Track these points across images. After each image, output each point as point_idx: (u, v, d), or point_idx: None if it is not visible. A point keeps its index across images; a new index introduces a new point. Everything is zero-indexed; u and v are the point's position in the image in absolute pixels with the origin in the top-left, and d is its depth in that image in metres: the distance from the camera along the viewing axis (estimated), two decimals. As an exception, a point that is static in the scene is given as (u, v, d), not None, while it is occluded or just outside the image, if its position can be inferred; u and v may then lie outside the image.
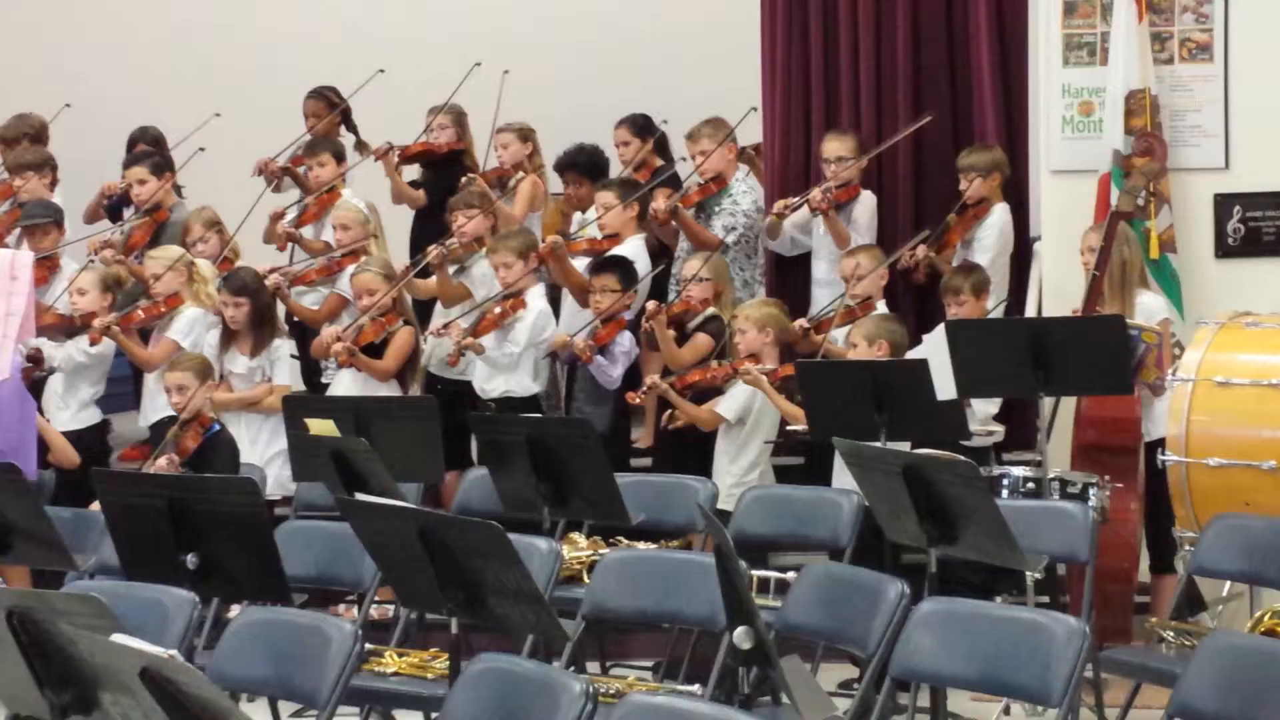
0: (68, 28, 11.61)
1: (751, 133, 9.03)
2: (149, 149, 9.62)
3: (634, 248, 8.52)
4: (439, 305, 8.67)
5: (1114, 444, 7.11)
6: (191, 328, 8.27)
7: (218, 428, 7.54)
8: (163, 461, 7.33)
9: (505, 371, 8.15)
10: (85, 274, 8.48)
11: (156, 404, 8.09)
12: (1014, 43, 8.60)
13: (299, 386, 8.28)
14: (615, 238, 8.56)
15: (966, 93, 8.68)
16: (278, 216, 9.05)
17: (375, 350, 8.13)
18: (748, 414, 7.75)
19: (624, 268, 8.27)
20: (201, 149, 9.35)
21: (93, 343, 8.14)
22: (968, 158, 8.36)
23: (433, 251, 8.35)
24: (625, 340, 8.20)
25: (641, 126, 9.24)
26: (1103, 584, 6.54)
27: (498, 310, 8.12)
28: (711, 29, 10.61)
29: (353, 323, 8.18)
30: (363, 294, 8.21)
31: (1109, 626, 6.72)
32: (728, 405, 7.78)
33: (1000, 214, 8.34)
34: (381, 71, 9.55)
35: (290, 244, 9.05)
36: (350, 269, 8.48)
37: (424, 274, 8.47)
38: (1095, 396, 7.11)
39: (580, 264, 8.56)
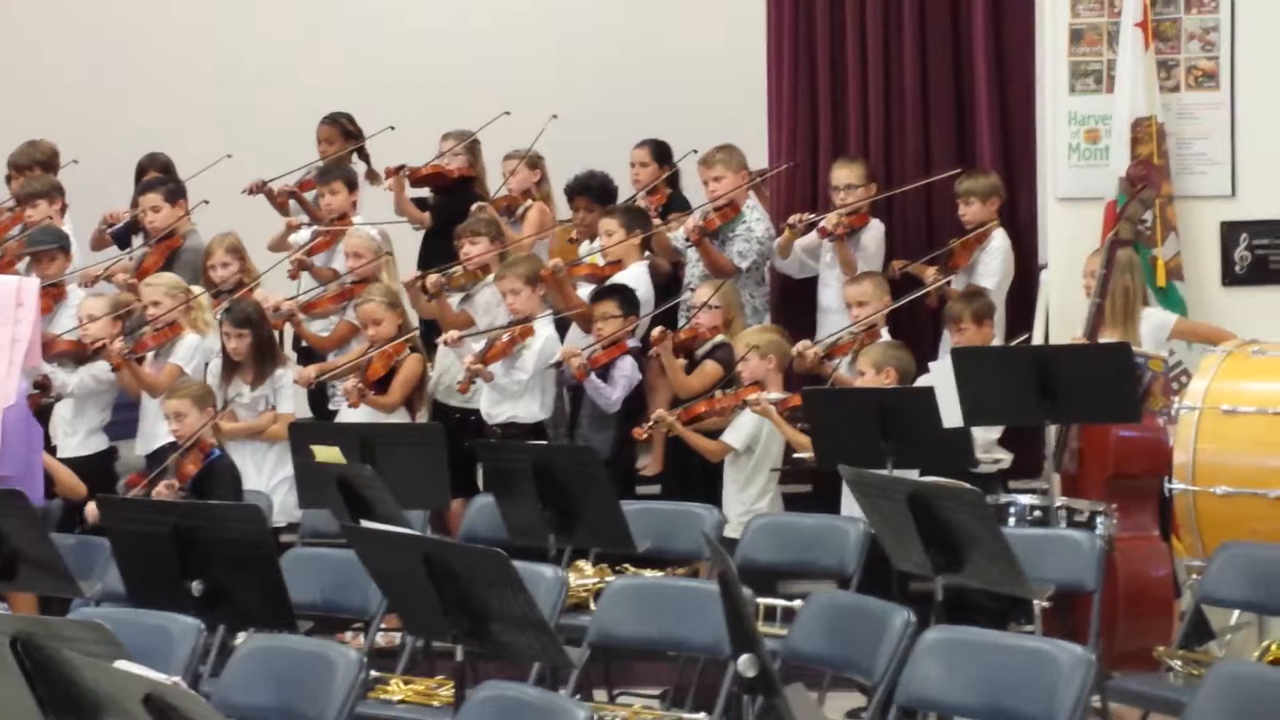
0: (78, 54, 11.63)
1: (756, 158, 9.04)
2: (161, 176, 9.64)
3: (637, 274, 8.53)
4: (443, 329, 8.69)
5: (1144, 471, 7.04)
6: (193, 354, 8.30)
7: (218, 454, 7.54)
8: (162, 487, 7.34)
9: (512, 399, 8.15)
10: (95, 300, 8.50)
11: (157, 431, 8.10)
12: (1017, 69, 8.62)
13: (303, 414, 8.28)
14: (618, 264, 8.58)
15: (971, 119, 8.70)
16: (294, 227, 9.11)
17: (383, 379, 8.14)
18: (755, 442, 7.75)
19: (624, 295, 8.28)
20: (229, 155, 9.39)
21: (117, 368, 8.15)
22: (965, 183, 8.39)
23: (431, 278, 8.37)
24: (626, 365, 8.20)
25: (662, 153, 9.25)
26: (1144, 614, 6.55)
27: (506, 338, 8.13)
28: (717, 54, 10.62)
29: (356, 358, 8.17)
30: (368, 324, 8.23)
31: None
32: (735, 435, 7.77)
33: (1001, 239, 8.36)
34: (392, 128, 9.52)
35: (302, 272, 9.04)
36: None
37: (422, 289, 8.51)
38: (1130, 424, 7.03)
39: (583, 290, 8.57)
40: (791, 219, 8.60)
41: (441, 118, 9.62)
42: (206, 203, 9.27)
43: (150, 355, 8.33)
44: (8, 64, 11.75)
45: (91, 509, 7.33)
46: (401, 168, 9.29)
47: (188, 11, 11.67)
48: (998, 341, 8.01)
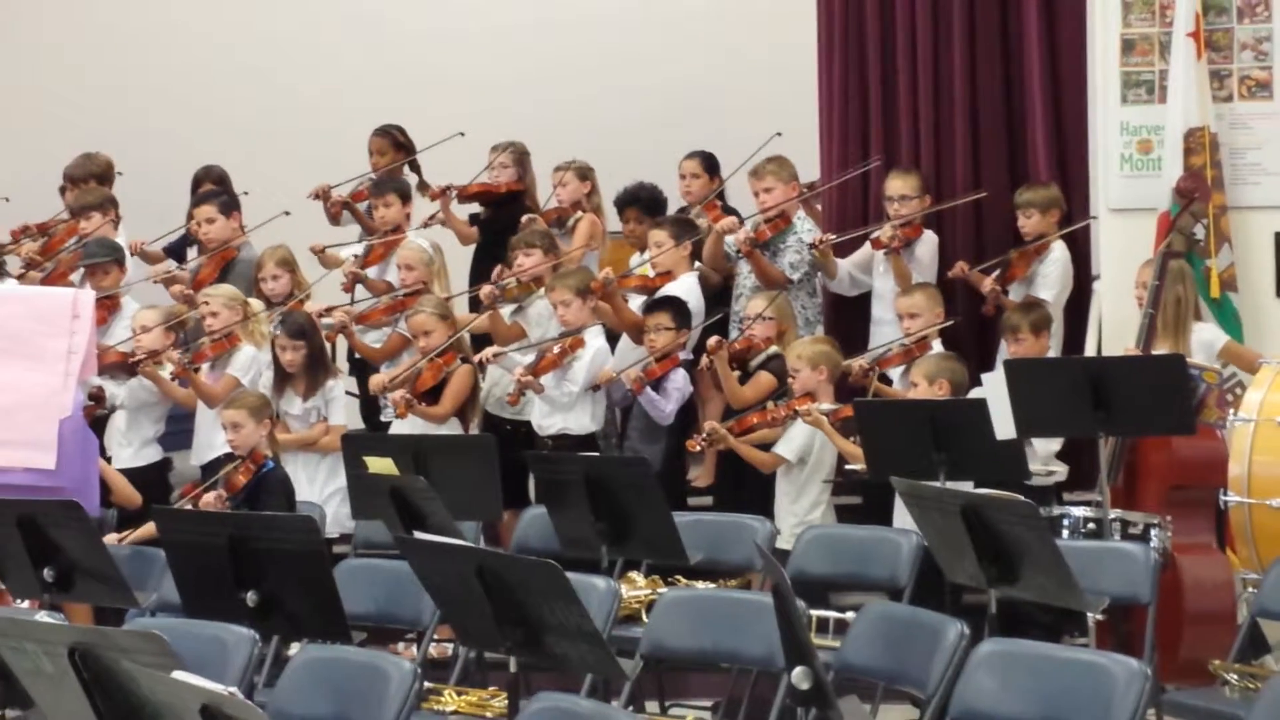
0: (131, 67, 11.69)
1: (807, 170, 9.04)
2: (216, 188, 9.69)
3: (687, 285, 8.53)
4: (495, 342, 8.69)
5: (1204, 482, 6.99)
6: (249, 367, 8.34)
7: (271, 465, 7.57)
8: (210, 497, 7.38)
9: (563, 410, 8.16)
10: (149, 312, 8.56)
11: (213, 442, 8.14)
12: (1070, 78, 8.59)
13: (355, 425, 8.29)
14: (668, 275, 8.58)
15: (1022, 129, 8.68)
16: (318, 250, 9.14)
17: (434, 390, 8.16)
18: (808, 454, 7.74)
19: (677, 307, 8.29)
20: (245, 193, 9.44)
21: (175, 378, 8.20)
22: (1025, 194, 8.39)
23: (485, 290, 8.40)
24: (679, 377, 8.20)
25: (711, 164, 9.25)
26: (1209, 623, 6.52)
27: (557, 350, 8.14)
28: (768, 66, 10.63)
29: (409, 368, 8.20)
30: (419, 335, 8.25)
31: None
32: (787, 446, 7.77)
33: (1061, 250, 8.35)
34: (462, 134, 9.45)
35: (355, 284, 9.07)
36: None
37: (475, 306, 8.50)
38: (1188, 437, 6.97)
39: (634, 302, 8.58)
40: (813, 240, 8.57)
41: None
42: (288, 213, 9.27)
43: (206, 366, 8.38)
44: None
45: (111, 538, 7.37)
46: (448, 188, 9.30)
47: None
48: (1054, 353, 7.99)
